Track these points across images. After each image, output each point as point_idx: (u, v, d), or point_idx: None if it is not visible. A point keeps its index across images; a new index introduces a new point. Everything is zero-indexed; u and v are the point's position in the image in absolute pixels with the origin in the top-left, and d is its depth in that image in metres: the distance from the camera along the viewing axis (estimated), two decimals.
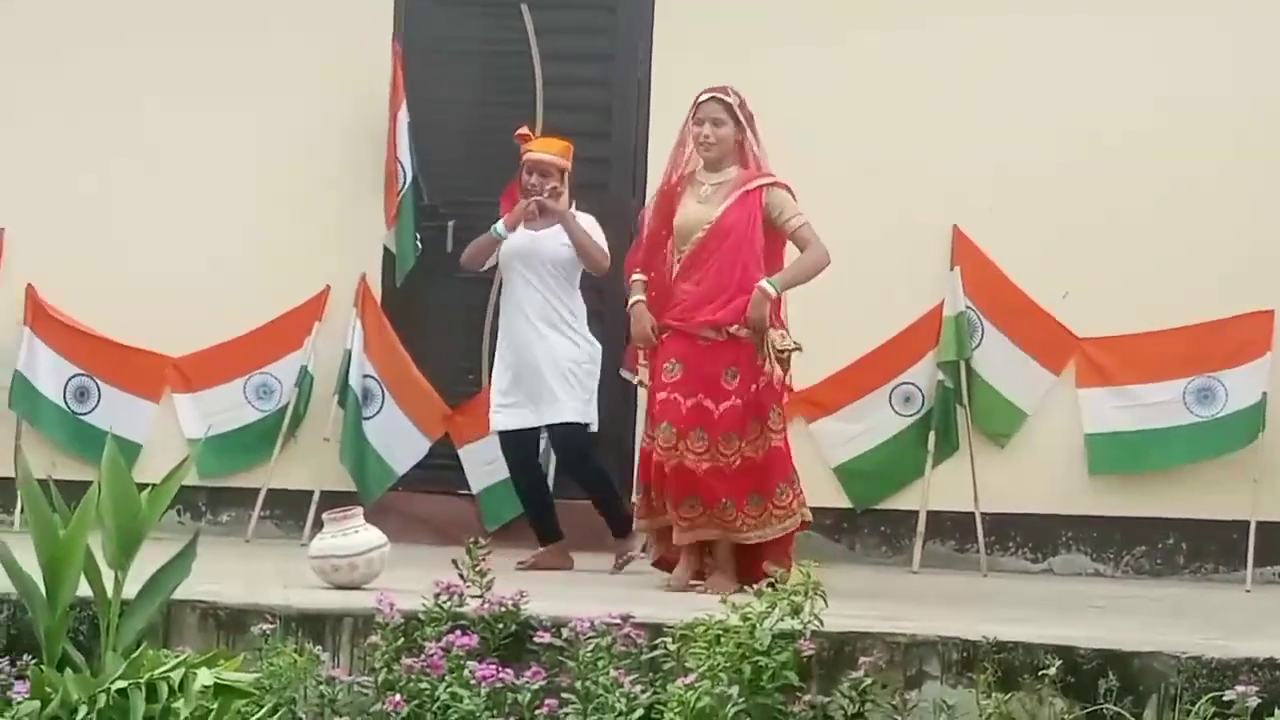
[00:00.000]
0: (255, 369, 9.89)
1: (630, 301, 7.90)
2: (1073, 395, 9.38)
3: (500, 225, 8.57)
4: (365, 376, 9.77)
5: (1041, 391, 9.42)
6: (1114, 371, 9.34)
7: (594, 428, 8.64)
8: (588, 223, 8.61)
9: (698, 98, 7.84)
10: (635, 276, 7.91)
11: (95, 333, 9.97)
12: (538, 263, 8.52)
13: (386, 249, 9.80)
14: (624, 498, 8.69)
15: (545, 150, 8.61)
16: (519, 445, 8.63)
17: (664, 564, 7.96)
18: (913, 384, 9.45)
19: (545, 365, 8.46)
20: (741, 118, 7.80)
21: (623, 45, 9.82)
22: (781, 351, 7.61)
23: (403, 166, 9.73)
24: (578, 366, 8.52)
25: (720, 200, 7.73)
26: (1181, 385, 9.24)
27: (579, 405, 8.50)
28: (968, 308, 9.38)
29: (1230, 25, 9.29)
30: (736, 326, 7.58)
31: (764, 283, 7.58)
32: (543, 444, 8.81)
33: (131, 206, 9.94)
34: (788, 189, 7.79)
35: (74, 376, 9.99)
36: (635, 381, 8.23)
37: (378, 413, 9.77)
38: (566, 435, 8.56)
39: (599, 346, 8.65)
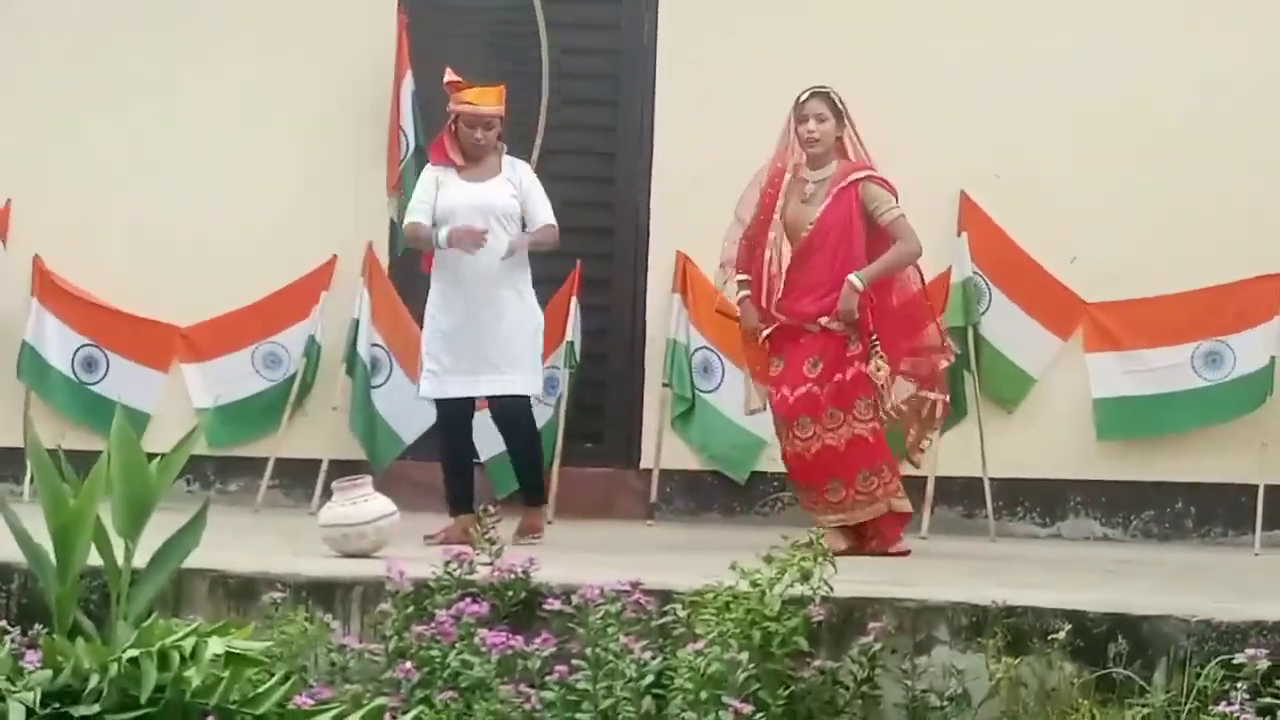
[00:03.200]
0: (263, 339, 9.90)
1: (738, 296, 8.16)
2: (1081, 360, 9.38)
3: (443, 235, 8.12)
4: (373, 345, 9.78)
5: (1049, 357, 9.42)
6: (1122, 336, 9.33)
7: (536, 393, 8.39)
8: (525, 177, 8.27)
9: (800, 96, 8.01)
10: (740, 277, 8.14)
11: (103, 303, 9.98)
12: (486, 214, 8.13)
13: (393, 219, 9.80)
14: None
15: (484, 101, 8.22)
16: (461, 412, 8.28)
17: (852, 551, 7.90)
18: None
19: (493, 330, 8.13)
20: (844, 113, 8.02)
21: (629, 14, 9.80)
22: (877, 354, 7.93)
23: (405, 135, 9.73)
24: (529, 323, 8.22)
25: (822, 199, 7.98)
26: (1189, 349, 9.23)
27: (527, 376, 8.20)
28: (975, 274, 9.37)
29: None
30: (827, 319, 7.86)
31: (852, 276, 7.85)
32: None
33: (138, 179, 9.94)
34: (884, 183, 8.03)
35: (82, 347, 10.00)
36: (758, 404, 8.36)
37: (386, 381, 9.77)
38: (512, 406, 8.24)
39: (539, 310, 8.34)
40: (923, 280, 8.29)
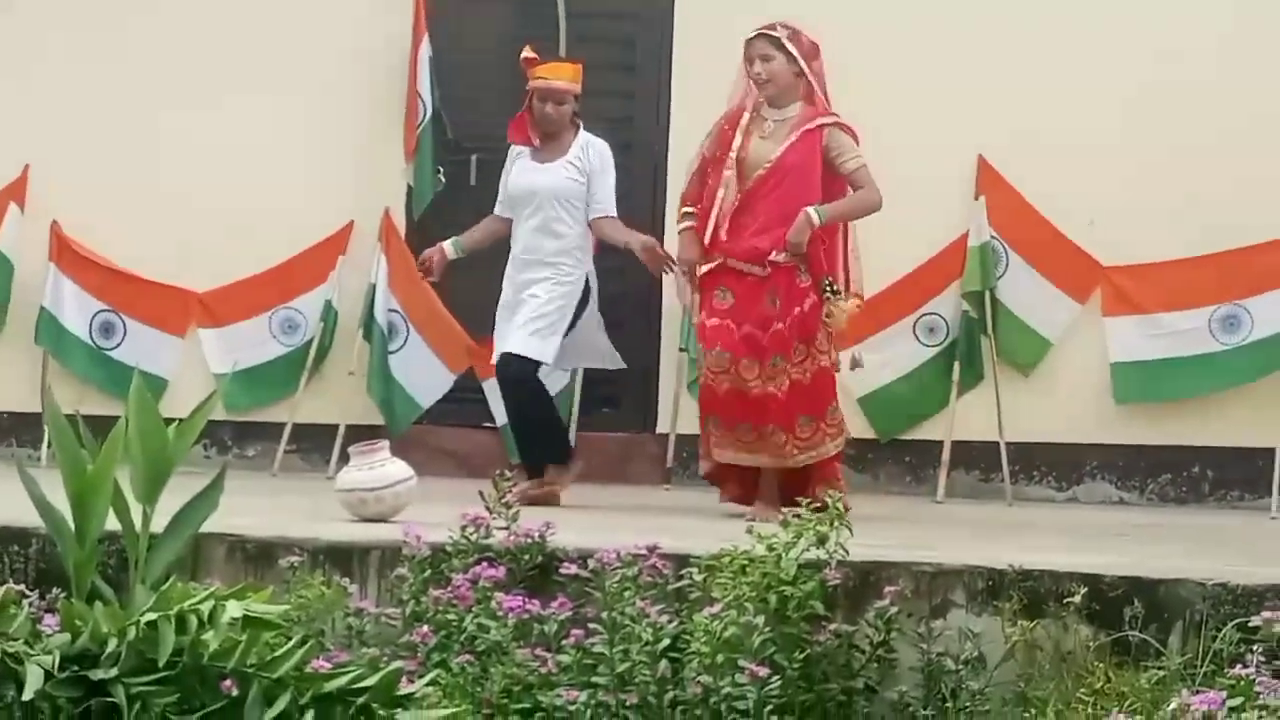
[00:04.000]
0: (280, 304, 9.92)
1: (680, 227, 8.02)
2: (1098, 324, 9.38)
3: (458, 244, 8.43)
4: (390, 310, 9.79)
5: (1066, 320, 9.41)
6: (1139, 300, 9.32)
7: (545, 358, 8.23)
8: (595, 158, 8.28)
9: (746, 36, 7.84)
10: (685, 209, 8.00)
11: (120, 268, 9.99)
12: (542, 197, 8.24)
13: (410, 184, 9.80)
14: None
15: (557, 76, 8.29)
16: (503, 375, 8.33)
17: (737, 500, 7.96)
18: (938, 314, 9.45)
19: (520, 293, 8.23)
20: (795, 51, 7.79)
21: None
22: (832, 298, 7.76)
23: (423, 100, 9.73)
24: (546, 292, 8.21)
25: (782, 138, 7.79)
26: (1207, 313, 9.22)
27: (524, 338, 8.16)
28: (992, 237, 9.36)
29: None
30: (776, 252, 7.69)
31: (810, 208, 7.68)
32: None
33: (155, 144, 9.93)
34: (850, 131, 7.84)
35: (99, 312, 10.01)
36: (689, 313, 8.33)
37: (402, 346, 9.79)
38: (501, 367, 8.26)
39: (580, 277, 8.28)
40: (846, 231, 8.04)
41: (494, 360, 8.40)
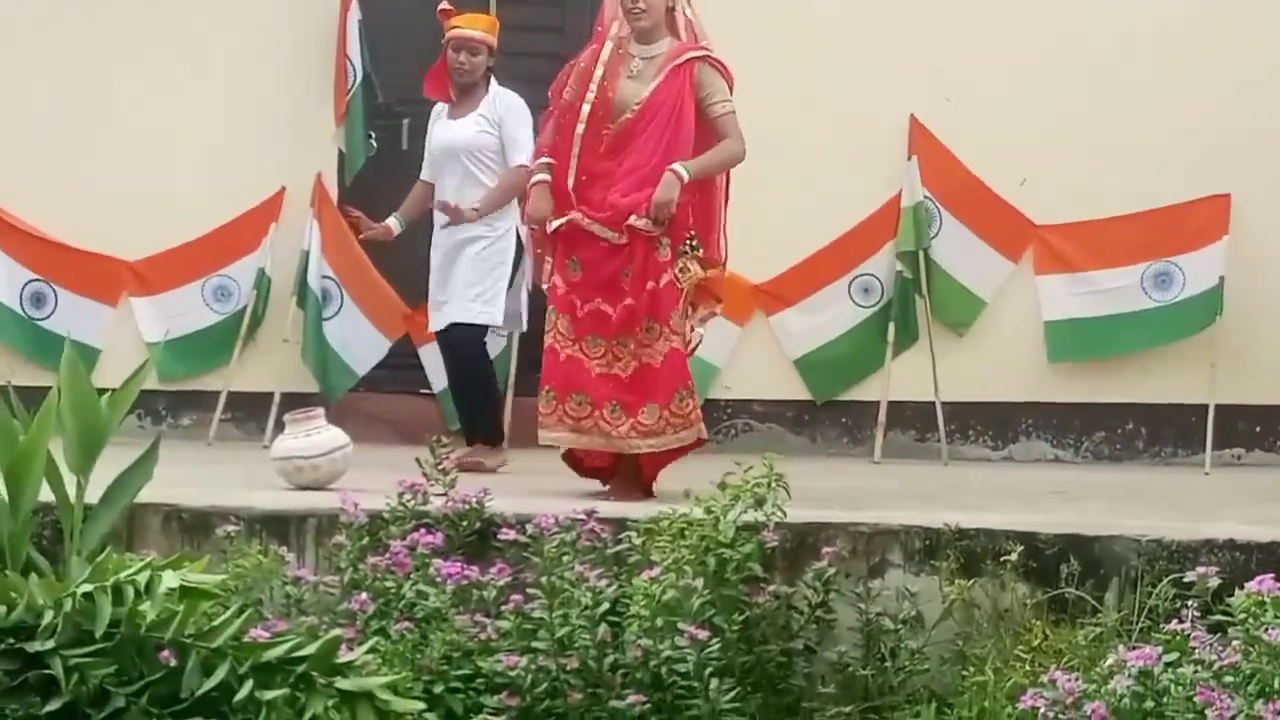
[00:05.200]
0: (213, 271, 9.83)
1: (532, 181, 7.25)
2: (1031, 283, 9.41)
3: (399, 218, 8.44)
4: (324, 277, 9.73)
5: (1000, 280, 9.44)
6: (1072, 258, 9.36)
7: (495, 320, 8.22)
8: (504, 109, 8.24)
9: None
10: (541, 160, 7.26)
11: (50, 238, 9.88)
12: (456, 153, 8.25)
13: (341, 149, 9.74)
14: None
15: (471, 26, 8.31)
16: (444, 345, 8.42)
17: (586, 471, 7.36)
18: (872, 275, 9.46)
19: (453, 257, 8.23)
20: None
21: None
22: (690, 254, 7.04)
23: (353, 64, 9.66)
24: (481, 252, 8.17)
25: (652, 76, 7.08)
26: (1139, 270, 9.27)
27: (464, 305, 8.16)
28: (925, 198, 9.38)
29: None
30: (636, 217, 6.95)
31: (677, 165, 6.92)
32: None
33: (84, 112, 9.82)
34: (722, 67, 7.13)
35: (30, 282, 9.91)
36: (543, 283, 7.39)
37: (337, 313, 9.73)
38: (443, 337, 8.29)
39: (510, 230, 8.20)
40: (727, 189, 7.29)
41: (433, 328, 8.39)
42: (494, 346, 8.84)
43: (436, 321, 8.38)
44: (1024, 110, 9.27)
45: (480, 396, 8.38)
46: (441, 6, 8.39)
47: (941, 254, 9.42)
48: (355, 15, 9.65)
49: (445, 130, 8.35)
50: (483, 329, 8.30)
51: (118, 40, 9.82)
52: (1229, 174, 9.16)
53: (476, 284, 8.20)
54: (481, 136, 8.25)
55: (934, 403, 9.35)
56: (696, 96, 7.06)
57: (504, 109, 8.29)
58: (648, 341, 7.00)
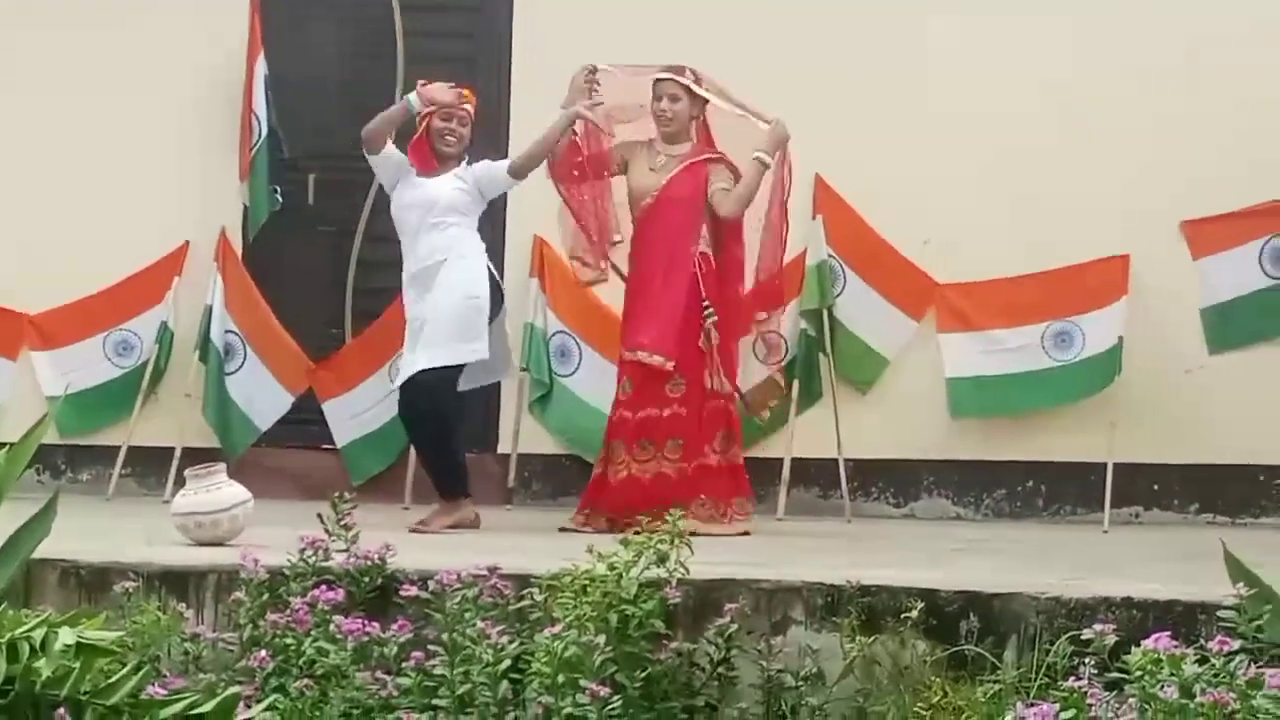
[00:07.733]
0: (114, 325, 9.79)
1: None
2: (934, 341, 9.48)
3: (414, 98, 8.33)
4: (227, 332, 9.69)
5: (903, 338, 9.51)
6: (974, 316, 9.44)
7: (480, 354, 8.22)
8: (474, 169, 8.35)
9: (657, 76, 8.25)
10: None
11: None
12: (435, 206, 8.26)
13: (245, 204, 9.71)
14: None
15: (469, 101, 8.37)
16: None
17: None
18: (775, 333, 9.48)
19: (435, 308, 8.20)
20: (701, 96, 8.25)
21: None
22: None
23: (258, 119, 9.64)
24: (461, 302, 8.20)
25: (671, 171, 8.20)
26: (1040, 329, 9.36)
27: (431, 351, 8.14)
28: (830, 256, 9.44)
29: None
30: (647, 354, 8.12)
31: (759, 154, 8.16)
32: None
33: None
34: (735, 169, 8.23)
35: None
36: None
37: (240, 368, 9.69)
38: (419, 383, 8.19)
39: (487, 271, 8.34)
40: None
41: (397, 383, 8.34)
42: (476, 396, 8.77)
43: (405, 370, 8.25)
44: (928, 172, 9.36)
45: (431, 448, 8.35)
46: (421, 83, 8.37)
47: (845, 312, 9.48)
48: (261, 70, 9.64)
49: (420, 188, 8.31)
50: (453, 378, 8.22)
51: (18, 92, 9.78)
52: (1127, 236, 9.27)
53: (446, 330, 8.15)
54: (457, 194, 8.29)
55: (837, 460, 9.39)
56: (707, 188, 8.20)
57: (474, 169, 8.35)
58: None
